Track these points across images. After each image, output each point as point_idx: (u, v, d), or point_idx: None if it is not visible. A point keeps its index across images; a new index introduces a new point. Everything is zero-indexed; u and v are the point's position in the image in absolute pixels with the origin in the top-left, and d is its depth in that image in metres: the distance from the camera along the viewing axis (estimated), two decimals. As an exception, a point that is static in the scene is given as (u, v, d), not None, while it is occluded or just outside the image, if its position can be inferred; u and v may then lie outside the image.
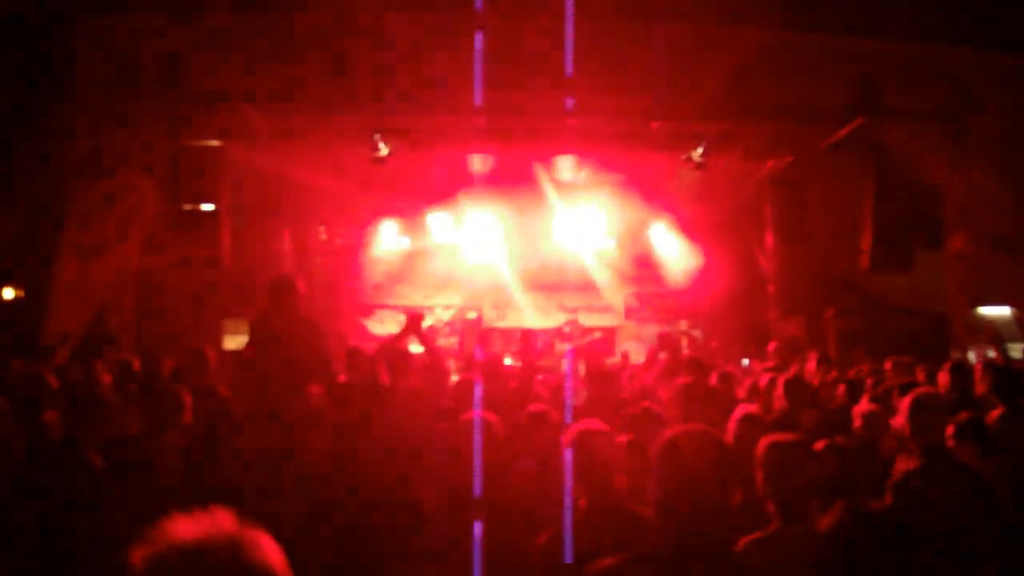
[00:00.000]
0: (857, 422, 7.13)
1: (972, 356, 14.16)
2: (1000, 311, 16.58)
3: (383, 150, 15.51)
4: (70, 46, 13.40)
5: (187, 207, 16.06)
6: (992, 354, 10.14)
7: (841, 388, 9.36)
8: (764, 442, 4.51)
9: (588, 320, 18.77)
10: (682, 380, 8.30)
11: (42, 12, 12.81)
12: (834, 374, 10.45)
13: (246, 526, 1.91)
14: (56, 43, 13.17)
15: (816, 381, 9.99)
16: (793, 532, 4.17)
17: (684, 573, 3.16)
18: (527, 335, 9.86)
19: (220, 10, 13.30)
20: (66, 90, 13.44)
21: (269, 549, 1.90)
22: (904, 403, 5.68)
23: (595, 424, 4.71)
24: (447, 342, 17.58)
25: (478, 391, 6.70)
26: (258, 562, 1.86)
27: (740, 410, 6.38)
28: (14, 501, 5.38)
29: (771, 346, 13.01)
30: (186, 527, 1.87)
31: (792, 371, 10.16)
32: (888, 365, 10.88)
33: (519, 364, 9.80)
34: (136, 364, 9.33)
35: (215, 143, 15.38)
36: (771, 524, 4.31)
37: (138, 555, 1.85)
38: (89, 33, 13.39)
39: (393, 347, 7.39)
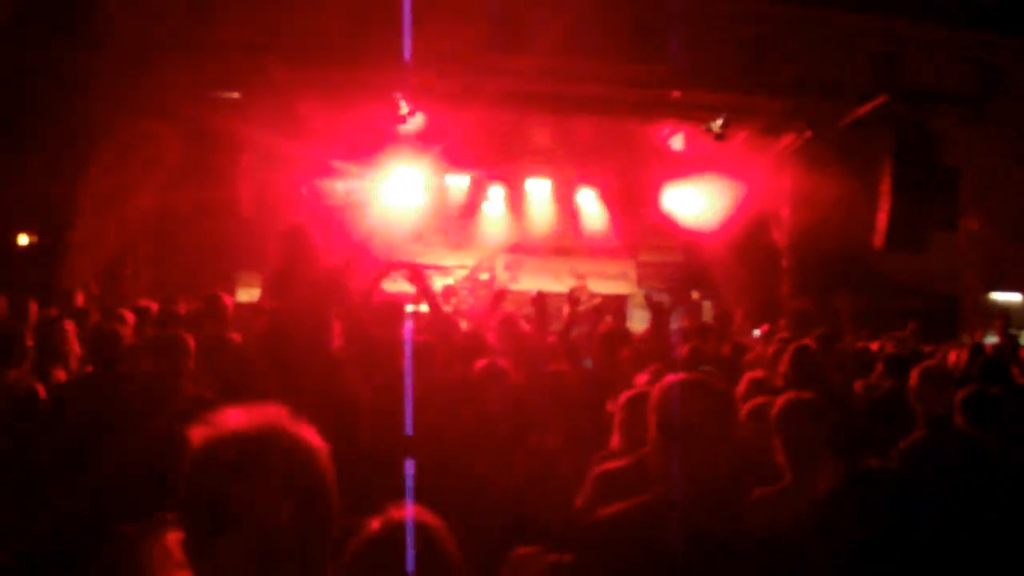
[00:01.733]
0: (857, 391, 7.23)
1: (991, 339, 14.18)
2: (1011, 296, 16.64)
3: (403, 108, 15.55)
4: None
5: (207, 157, 16.13)
6: (994, 339, 10.21)
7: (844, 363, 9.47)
8: (783, 398, 4.60)
9: (600, 287, 18.82)
10: (692, 344, 8.41)
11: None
12: (839, 349, 10.51)
13: (297, 419, 1.99)
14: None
15: (820, 355, 10.06)
16: (802, 488, 4.26)
17: (691, 521, 3.25)
18: (539, 297, 9.89)
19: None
20: (89, 37, 13.49)
21: (317, 444, 1.98)
22: (912, 375, 5.77)
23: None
24: (460, 302, 17.67)
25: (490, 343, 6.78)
26: (306, 453, 1.95)
27: (747, 376, 6.48)
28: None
29: (782, 320, 13.07)
30: (241, 414, 1.96)
31: (797, 343, 10.23)
32: (891, 344, 10.96)
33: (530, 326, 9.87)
34: (154, 309, 9.43)
35: (236, 95, 15.42)
36: (782, 480, 4.43)
37: (195, 436, 1.94)
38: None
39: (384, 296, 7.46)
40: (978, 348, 8.80)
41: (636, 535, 3.37)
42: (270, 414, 1.97)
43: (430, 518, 2.45)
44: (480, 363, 5.67)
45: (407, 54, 13.07)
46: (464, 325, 9.90)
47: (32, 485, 5.20)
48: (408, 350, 6.64)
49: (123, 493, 4.66)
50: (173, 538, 1.98)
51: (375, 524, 2.48)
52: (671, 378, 3.98)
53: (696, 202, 19.17)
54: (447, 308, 16.35)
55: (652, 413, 3.53)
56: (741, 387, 6.27)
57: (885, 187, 16.10)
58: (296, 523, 1.90)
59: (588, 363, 8.73)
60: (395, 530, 2.44)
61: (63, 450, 5.51)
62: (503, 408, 5.40)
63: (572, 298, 9.73)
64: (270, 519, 1.88)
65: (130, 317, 9.16)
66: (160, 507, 2.01)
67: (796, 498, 4.23)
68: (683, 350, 8.50)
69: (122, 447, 5.35)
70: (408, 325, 7.06)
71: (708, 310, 19.01)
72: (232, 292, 15.83)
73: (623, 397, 5.35)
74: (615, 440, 5.36)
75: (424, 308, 8.15)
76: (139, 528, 2.19)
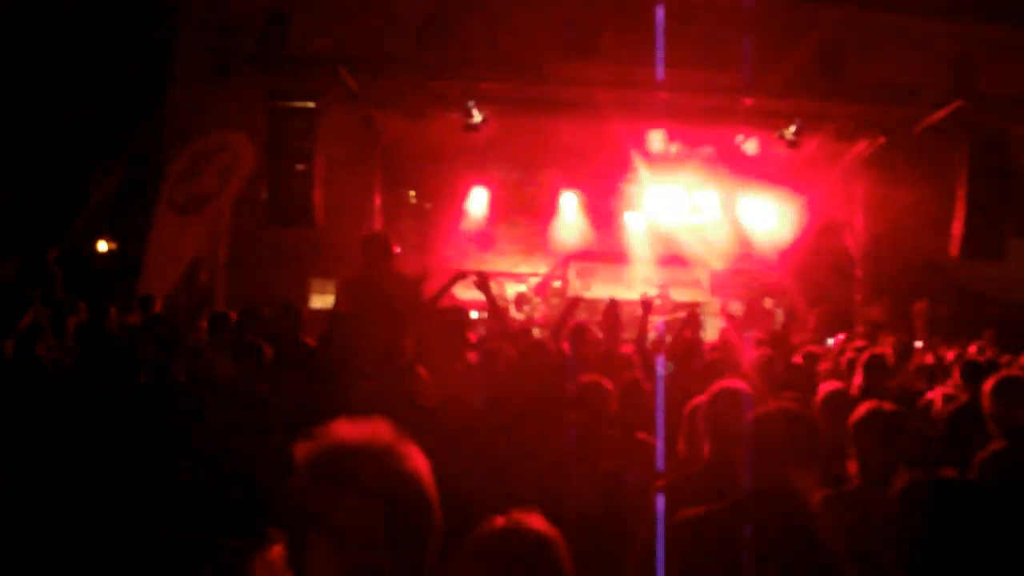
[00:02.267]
0: (939, 405, 7.14)
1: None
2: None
3: (476, 117, 15.64)
4: (174, 6, 13.70)
5: (281, 167, 16.32)
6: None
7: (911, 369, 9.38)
8: (865, 407, 4.60)
9: (673, 295, 18.73)
10: (765, 352, 8.37)
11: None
12: (916, 359, 10.41)
13: (402, 436, 2.04)
14: (160, 3, 13.47)
15: (896, 363, 9.96)
16: (872, 492, 4.26)
17: (763, 521, 3.33)
18: (612, 305, 9.91)
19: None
20: (168, 49, 13.74)
21: (420, 460, 2.04)
22: (987, 385, 5.68)
23: (737, 383, 4.78)
24: (534, 310, 17.72)
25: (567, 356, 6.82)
26: (410, 470, 2.00)
27: (826, 386, 6.45)
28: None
29: (857, 328, 12.96)
30: (348, 429, 2.01)
31: (874, 351, 10.14)
32: (972, 350, 10.82)
33: (603, 334, 9.88)
34: (232, 316, 9.57)
35: (311, 105, 15.60)
36: (849, 483, 4.44)
37: (301, 449, 2.00)
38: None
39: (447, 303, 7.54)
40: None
41: (711, 538, 3.48)
42: (377, 431, 2.02)
43: (548, 527, 2.48)
44: (584, 379, 5.71)
45: (478, 63, 13.18)
46: (537, 333, 9.95)
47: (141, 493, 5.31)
48: (474, 357, 6.70)
49: (227, 506, 4.76)
50: (277, 553, 2.03)
51: (496, 523, 2.50)
52: (717, 388, 4.21)
53: (770, 210, 19.04)
54: (520, 315, 16.42)
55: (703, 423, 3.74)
56: (818, 397, 6.24)
57: (961, 194, 15.89)
58: (397, 539, 1.95)
59: (670, 367, 8.74)
60: (510, 535, 2.46)
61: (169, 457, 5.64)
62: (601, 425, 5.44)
63: (644, 304, 9.70)
64: (372, 533, 1.93)
65: (203, 324, 9.32)
66: (265, 521, 2.07)
67: (866, 503, 4.23)
68: (755, 359, 8.47)
69: (225, 459, 5.46)
70: (472, 331, 7.13)
71: (781, 318, 18.87)
72: (306, 299, 16.01)
73: (689, 407, 5.38)
74: (682, 448, 5.38)
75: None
76: (244, 543, 2.25)
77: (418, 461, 2.03)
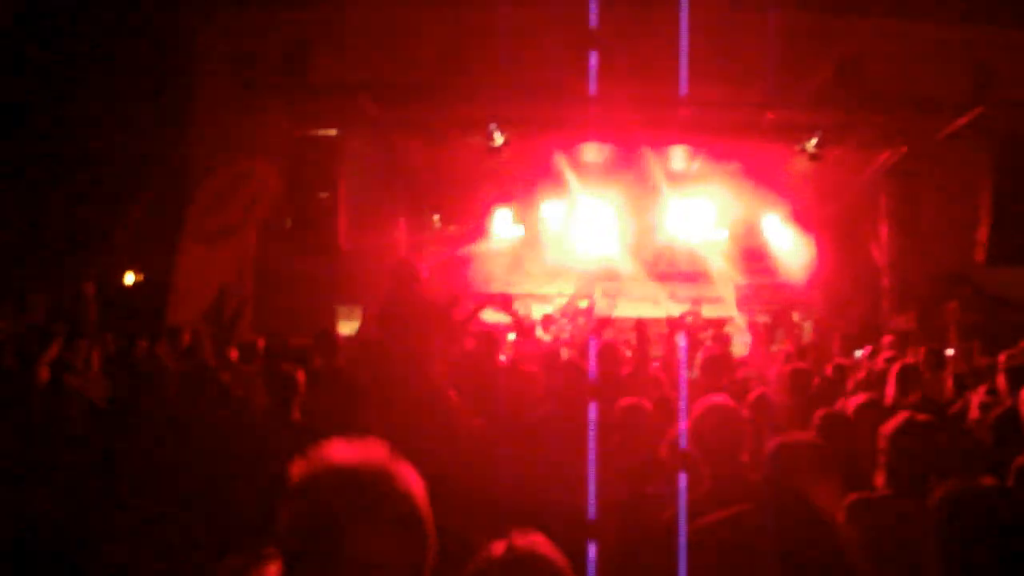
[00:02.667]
0: (974, 413, 7.09)
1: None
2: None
3: (498, 139, 15.70)
4: (194, 36, 13.80)
5: (306, 194, 16.41)
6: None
7: (950, 381, 9.32)
8: (898, 418, 4.60)
9: (706, 312, 18.68)
10: (792, 366, 8.36)
11: (164, 4, 13.20)
12: (948, 368, 10.34)
13: (396, 457, 2.04)
14: (181, 33, 13.57)
15: (927, 373, 9.91)
16: (902, 501, 4.27)
17: (787, 525, 3.37)
18: (640, 324, 9.91)
19: (339, 2, 13.60)
20: (191, 79, 13.84)
21: (415, 481, 2.03)
22: (1021, 395, 5.65)
23: (723, 400, 4.84)
24: (561, 330, 17.69)
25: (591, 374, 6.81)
26: (404, 491, 1.99)
27: (857, 398, 6.43)
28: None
29: (886, 339, 12.89)
30: (342, 449, 2.01)
31: (905, 361, 10.10)
32: (1003, 359, 10.75)
33: (631, 353, 9.88)
34: (261, 345, 9.62)
35: (333, 132, 15.69)
36: (877, 491, 4.46)
37: (296, 469, 2.00)
38: (213, 23, 13.77)
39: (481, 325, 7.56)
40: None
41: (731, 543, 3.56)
42: (371, 451, 2.02)
43: (553, 550, 2.48)
44: (624, 403, 5.73)
45: (499, 85, 13.22)
46: (565, 353, 9.94)
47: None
48: (510, 379, 6.71)
49: (230, 524, 4.78)
50: (274, 571, 2.04)
51: (496, 549, 2.50)
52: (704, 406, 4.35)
53: (794, 223, 19.01)
54: (547, 337, 16.42)
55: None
56: (850, 409, 6.22)
57: (985, 200, 15.84)
58: (390, 560, 1.94)
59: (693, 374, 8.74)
60: (517, 558, 2.46)
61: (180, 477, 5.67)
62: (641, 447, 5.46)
63: (672, 324, 9.71)
64: (365, 556, 1.92)
65: (233, 354, 9.36)
66: (264, 540, 2.08)
67: (897, 511, 4.24)
68: (785, 374, 8.45)
69: (233, 478, 5.50)
70: (506, 354, 7.15)
71: (808, 331, 18.81)
72: (332, 326, 16.04)
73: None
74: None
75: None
76: (243, 560, 2.26)
77: (413, 482, 2.02)
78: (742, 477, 4.56)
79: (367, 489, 1.96)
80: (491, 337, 7.44)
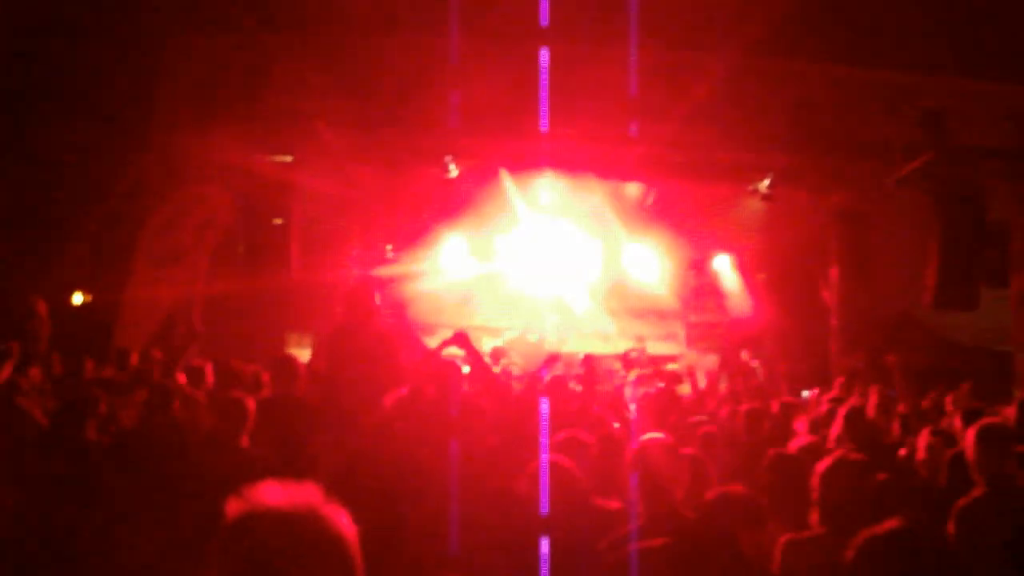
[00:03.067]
0: (921, 454, 7.16)
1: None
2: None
3: (453, 171, 15.74)
4: (151, 59, 13.73)
5: (259, 220, 16.32)
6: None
7: (896, 422, 9.42)
8: (834, 456, 4.67)
9: (652, 348, 18.78)
10: (747, 406, 8.42)
11: (124, 27, 13.13)
12: (900, 408, 10.45)
13: (329, 500, 2.04)
14: (138, 56, 13.50)
15: (875, 415, 10.01)
16: (834, 539, 4.31)
17: (718, 557, 3.47)
18: (588, 359, 9.95)
19: (296, 30, 13.60)
20: (146, 102, 13.76)
21: (347, 524, 2.03)
22: (970, 433, 5.71)
23: (660, 439, 4.91)
24: (510, 364, 17.69)
25: (543, 409, 6.81)
26: (335, 533, 1.99)
27: (799, 440, 6.50)
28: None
29: (837, 380, 13.01)
30: (275, 492, 2.01)
31: (852, 403, 10.19)
32: (949, 400, 10.89)
33: (580, 387, 9.90)
34: (208, 369, 9.54)
35: (288, 158, 15.64)
36: (811, 529, 4.53)
37: (229, 510, 2.00)
38: (170, 46, 13.72)
39: (441, 359, 7.51)
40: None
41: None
42: (305, 495, 2.02)
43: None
44: (561, 435, 5.74)
45: (454, 117, 13.25)
46: (516, 387, 9.93)
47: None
48: (461, 410, 6.70)
49: (172, 551, 4.75)
50: None
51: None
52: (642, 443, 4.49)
53: (744, 262, 19.18)
54: (495, 369, 16.41)
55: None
56: (792, 450, 6.28)
57: (934, 245, 16.01)
58: None
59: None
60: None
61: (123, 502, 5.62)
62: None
63: (627, 361, 9.76)
64: None
65: (181, 378, 9.29)
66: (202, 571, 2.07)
67: (827, 549, 4.29)
68: (740, 412, 8.52)
69: (176, 504, 5.45)
70: (463, 387, 7.12)
71: (758, 370, 18.93)
72: (282, 352, 15.96)
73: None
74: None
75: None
76: None
77: (345, 527, 2.02)
78: (676, 513, 4.62)
79: (300, 533, 1.96)
80: (448, 372, 7.41)
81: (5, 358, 7.24)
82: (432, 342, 8.15)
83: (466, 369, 7.87)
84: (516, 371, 16.59)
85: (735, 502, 4.41)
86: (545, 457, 5.09)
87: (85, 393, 7.01)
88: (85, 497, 5.58)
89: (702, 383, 12.52)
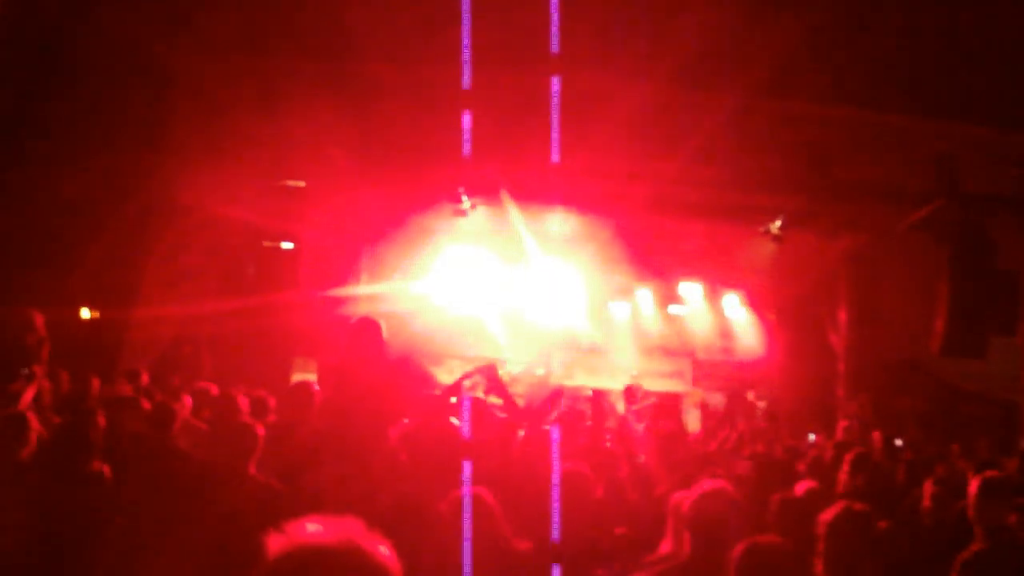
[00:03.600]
0: (926, 502, 7.14)
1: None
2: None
3: (466, 203, 15.79)
4: (166, 80, 13.79)
5: (268, 244, 16.36)
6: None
7: (902, 469, 9.39)
8: (838, 506, 4.64)
9: (655, 385, 18.73)
10: (750, 450, 8.40)
11: (135, 53, 13.20)
12: (907, 456, 10.42)
13: (373, 534, 2.02)
14: (148, 80, 13.56)
15: (881, 460, 9.98)
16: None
17: None
18: (597, 396, 9.95)
19: (311, 55, 13.65)
20: (159, 122, 13.81)
21: (390, 558, 2.01)
22: (972, 485, 5.71)
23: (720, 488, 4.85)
24: (516, 397, 17.62)
25: (555, 443, 6.80)
26: (380, 567, 1.97)
27: (803, 484, 6.47)
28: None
29: (841, 424, 12.98)
30: (317, 527, 1.99)
31: (858, 449, 10.16)
32: (955, 449, 10.87)
33: (589, 423, 9.89)
34: (214, 392, 9.54)
35: (300, 183, 15.68)
36: None
37: (270, 545, 1.97)
38: (181, 72, 13.78)
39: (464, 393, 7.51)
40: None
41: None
42: (347, 528, 2.00)
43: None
44: (565, 470, 5.71)
45: (468, 149, 13.27)
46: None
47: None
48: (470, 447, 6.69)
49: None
50: None
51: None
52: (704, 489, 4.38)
53: (752, 303, 19.16)
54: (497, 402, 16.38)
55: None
56: (799, 493, 6.26)
57: (943, 292, 15.97)
58: None
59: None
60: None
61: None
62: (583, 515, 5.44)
63: (630, 395, 9.75)
64: None
65: (187, 400, 9.28)
66: None
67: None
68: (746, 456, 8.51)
69: (183, 533, 5.43)
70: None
71: (762, 411, 18.89)
72: (288, 378, 15.95)
73: (673, 501, 5.40)
74: (666, 544, 5.38)
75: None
76: None
77: (389, 559, 2.01)
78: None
79: (345, 569, 1.94)
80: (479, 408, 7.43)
81: (28, 382, 7.24)
82: (450, 375, 8.16)
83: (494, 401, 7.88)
84: (521, 403, 16.54)
85: (770, 553, 4.33)
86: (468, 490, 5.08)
87: (86, 415, 6.95)
88: (89, 522, 5.58)
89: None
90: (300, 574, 1.94)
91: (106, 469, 6.33)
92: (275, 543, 1.98)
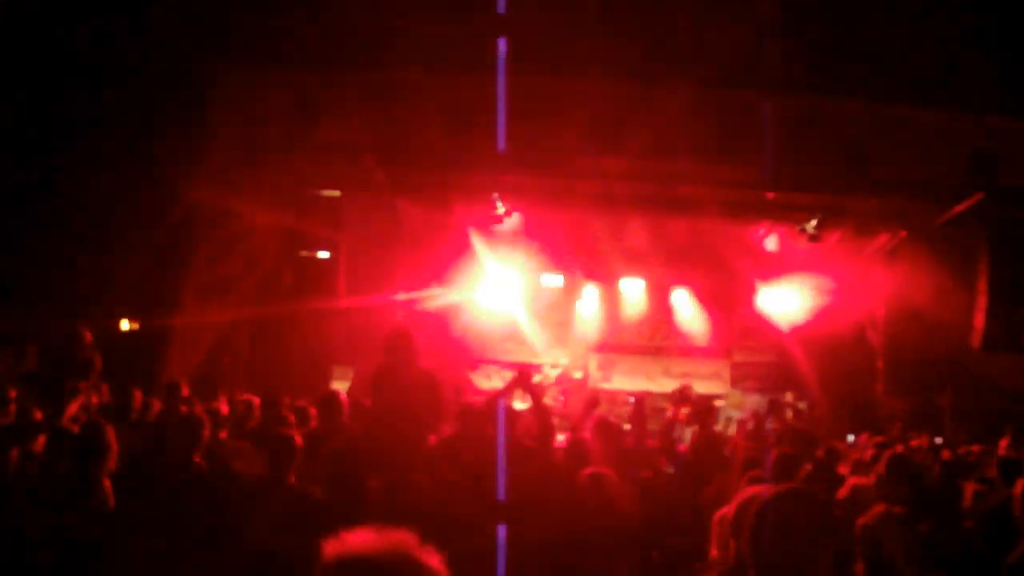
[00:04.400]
0: (967, 501, 7.08)
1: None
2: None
3: (500, 208, 15.81)
4: (203, 91, 13.89)
5: (305, 253, 16.46)
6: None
7: (938, 468, 9.31)
8: (877, 509, 4.62)
9: (699, 388, 18.65)
10: (782, 450, 8.34)
11: (175, 59, 13.31)
12: (945, 454, 10.34)
13: (424, 546, 2.04)
14: (188, 89, 13.66)
15: (922, 459, 9.90)
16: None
17: None
18: (639, 401, 9.95)
19: (347, 65, 13.72)
20: (198, 133, 13.91)
21: (441, 569, 2.04)
22: (1018, 485, 5.63)
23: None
24: (552, 401, 17.61)
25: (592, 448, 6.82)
26: None
27: (850, 482, 6.44)
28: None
29: (896, 424, 12.89)
30: (368, 538, 2.02)
31: (898, 448, 10.10)
32: (1003, 445, 10.77)
33: (629, 427, 9.90)
34: (256, 403, 9.58)
35: (337, 192, 15.76)
36: None
37: (325, 556, 2.01)
38: (222, 79, 13.88)
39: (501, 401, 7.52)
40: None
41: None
42: (400, 540, 2.03)
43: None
44: (586, 472, 5.71)
45: (504, 156, 13.29)
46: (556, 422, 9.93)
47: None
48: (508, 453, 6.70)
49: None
50: None
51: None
52: (756, 497, 4.25)
53: (790, 303, 19.02)
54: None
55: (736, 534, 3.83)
56: (842, 494, 6.24)
57: (982, 287, 15.87)
58: None
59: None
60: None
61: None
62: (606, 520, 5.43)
63: (683, 398, 9.72)
64: None
65: (224, 409, 9.32)
66: None
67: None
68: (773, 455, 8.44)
69: (224, 544, 5.47)
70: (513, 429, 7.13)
71: (803, 412, 18.77)
72: (327, 385, 16.03)
73: (718, 513, 5.38)
74: (714, 552, 5.37)
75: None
76: None
77: (440, 570, 2.03)
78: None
79: None
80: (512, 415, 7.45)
81: (72, 396, 7.30)
82: (488, 380, 8.20)
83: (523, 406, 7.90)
84: (557, 407, 16.54)
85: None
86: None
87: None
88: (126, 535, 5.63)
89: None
90: None
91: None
92: (328, 554, 2.01)
